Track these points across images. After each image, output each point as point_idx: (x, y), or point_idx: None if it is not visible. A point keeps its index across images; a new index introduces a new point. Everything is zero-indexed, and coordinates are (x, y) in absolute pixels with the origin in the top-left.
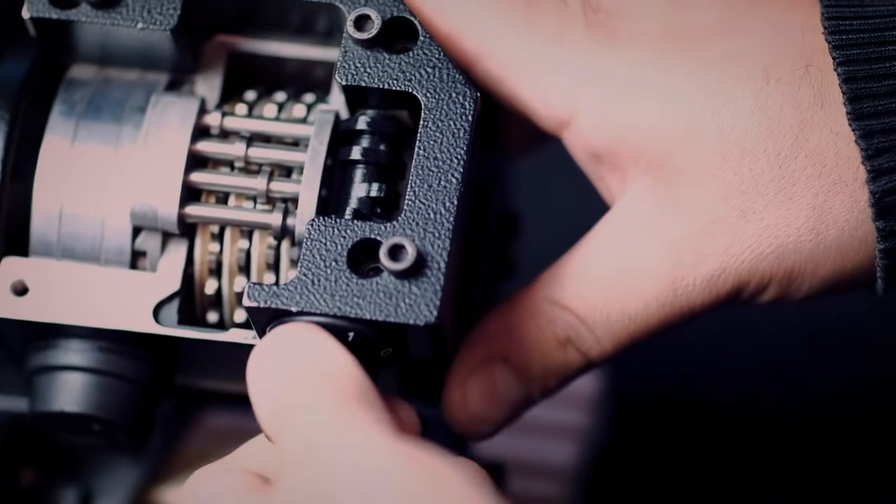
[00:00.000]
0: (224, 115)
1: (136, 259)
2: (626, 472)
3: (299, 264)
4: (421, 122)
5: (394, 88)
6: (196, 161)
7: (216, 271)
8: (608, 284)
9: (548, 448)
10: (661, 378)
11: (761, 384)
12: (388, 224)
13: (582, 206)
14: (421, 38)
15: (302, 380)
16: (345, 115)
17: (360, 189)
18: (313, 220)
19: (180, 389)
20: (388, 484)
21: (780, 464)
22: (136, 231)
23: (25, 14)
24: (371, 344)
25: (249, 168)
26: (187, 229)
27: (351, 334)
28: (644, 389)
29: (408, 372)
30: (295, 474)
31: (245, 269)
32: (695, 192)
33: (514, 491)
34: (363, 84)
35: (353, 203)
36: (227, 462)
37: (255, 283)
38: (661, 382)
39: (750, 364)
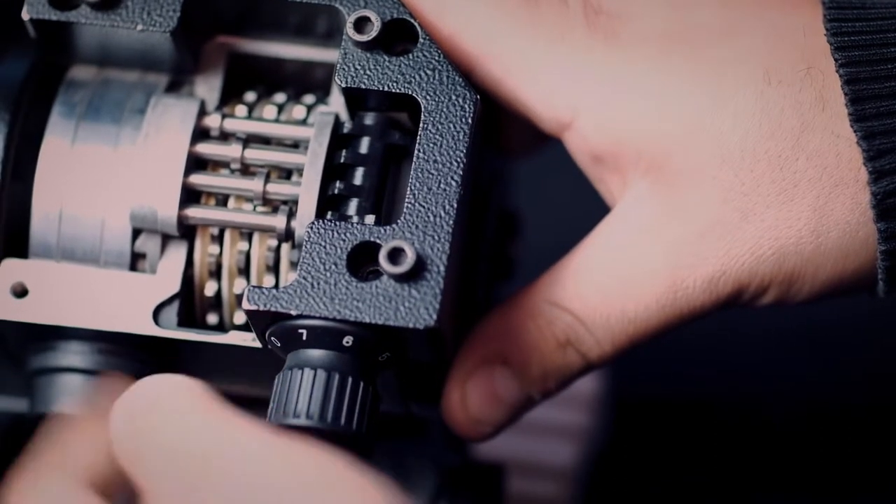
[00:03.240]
0: (224, 116)
1: (135, 261)
2: (625, 472)
3: (299, 267)
4: (421, 125)
5: (393, 91)
6: (196, 163)
7: (216, 273)
8: (608, 286)
9: (548, 448)
10: (660, 378)
11: (761, 384)
12: (388, 227)
13: (582, 206)
14: (421, 39)
15: (156, 395)
16: (344, 116)
17: (359, 192)
18: (313, 222)
19: None
20: (264, 467)
21: (780, 464)
22: (136, 233)
23: (25, 15)
24: (369, 347)
25: (249, 170)
26: (187, 231)
27: (349, 339)
28: (644, 389)
29: (407, 373)
30: (167, 478)
31: (245, 271)
32: (695, 193)
33: (514, 491)
34: (363, 86)
35: (352, 206)
36: (64, 477)
37: (254, 287)
38: (661, 383)
39: (750, 364)
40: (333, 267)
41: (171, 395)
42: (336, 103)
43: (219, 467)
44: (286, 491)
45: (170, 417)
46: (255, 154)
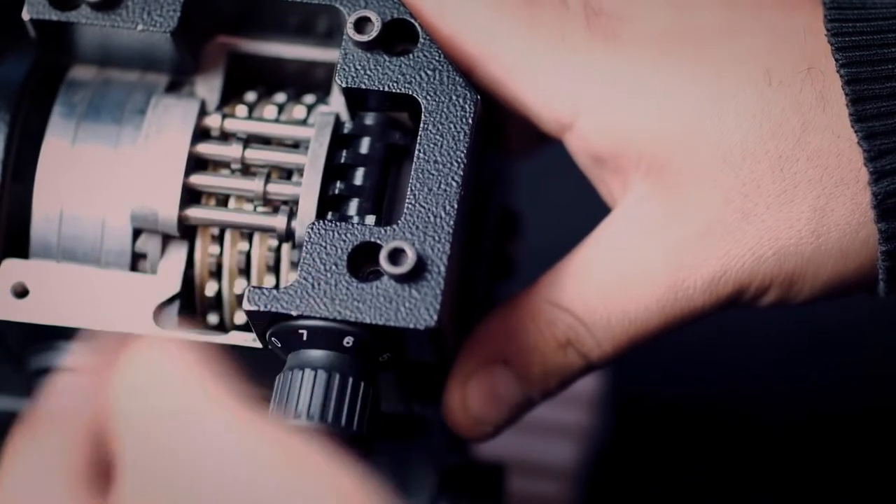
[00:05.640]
0: (224, 116)
1: (136, 261)
2: (626, 472)
3: (299, 268)
4: (421, 125)
5: (394, 91)
6: (196, 163)
7: (216, 273)
8: (609, 287)
9: (548, 448)
10: (661, 378)
11: (761, 385)
12: (389, 228)
13: (582, 206)
14: (421, 40)
15: (149, 361)
16: (345, 116)
17: (360, 192)
18: (313, 223)
19: None
20: (249, 462)
21: (780, 464)
22: (137, 233)
23: (25, 15)
24: (370, 348)
25: (250, 170)
26: (187, 231)
27: (349, 339)
28: (644, 389)
29: (408, 374)
30: (141, 456)
31: (245, 271)
32: (696, 194)
33: (514, 491)
34: (363, 87)
35: (353, 206)
36: (56, 451)
37: (254, 287)
38: (662, 382)
39: (750, 365)
40: (334, 267)
41: (177, 376)
42: (336, 103)
43: (219, 470)
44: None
45: (174, 405)
46: (256, 154)
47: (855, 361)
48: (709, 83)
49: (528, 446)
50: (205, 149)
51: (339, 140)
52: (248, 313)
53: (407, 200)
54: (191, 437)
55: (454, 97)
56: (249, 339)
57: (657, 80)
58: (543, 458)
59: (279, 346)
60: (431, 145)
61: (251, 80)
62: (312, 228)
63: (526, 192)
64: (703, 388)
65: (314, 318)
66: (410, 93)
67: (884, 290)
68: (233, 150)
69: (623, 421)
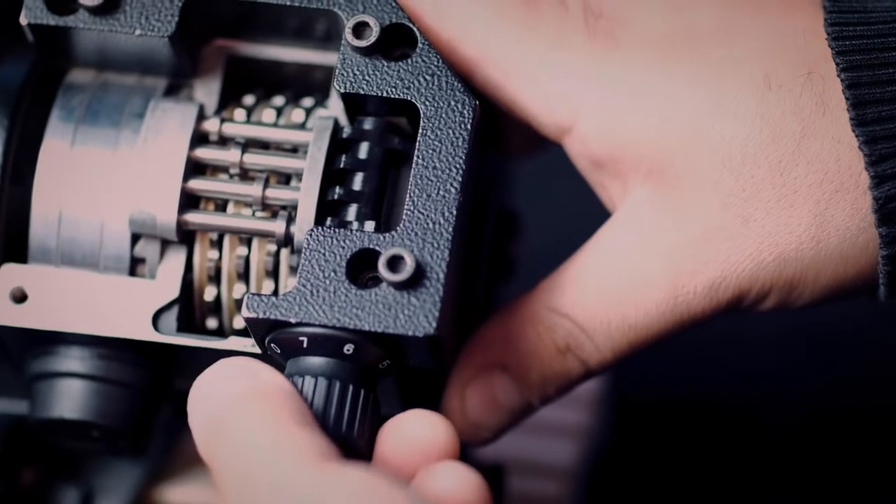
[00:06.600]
0: (223, 121)
1: (134, 266)
2: (626, 472)
3: (298, 274)
4: (420, 131)
5: (392, 96)
6: (195, 168)
7: (215, 278)
8: (608, 292)
9: (548, 448)
10: (661, 378)
11: (762, 385)
12: (387, 234)
13: (582, 207)
14: (420, 44)
15: (240, 400)
16: (344, 120)
17: (359, 197)
18: (312, 229)
19: (180, 393)
20: None
21: (780, 465)
22: (135, 238)
23: (23, 20)
24: (370, 355)
25: (248, 175)
26: (186, 236)
27: (350, 346)
28: (645, 389)
29: (407, 379)
30: (234, 498)
31: (244, 276)
32: (696, 198)
33: (514, 491)
34: (361, 92)
35: (352, 211)
36: None
37: (253, 294)
38: (662, 382)
39: (750, 365)
40: (333, 274)
41: (247, 403)
42: (335, 107)
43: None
44: None
45: (242, 435)
46: (254, 159)
47: (855, 362)
48: (709, 86)
49: (528, 446)
50: (203, 153)
51: (338, 145)
52: (247, 320)
53: (406, 206)
54: (279, 490)
55: (453, 102)
56: (248, 345)
57: (657, 83)
58: (543, 458)
59: (278, 352)
60: (430, 151)
61: (249, 83)
62: (311, 235)
63: (526, 193)
64: (703, 388)
65: (313, 325)
66: (409, 98)
67: (884, 294)
68: (231, 155)
69: (623, 421)
